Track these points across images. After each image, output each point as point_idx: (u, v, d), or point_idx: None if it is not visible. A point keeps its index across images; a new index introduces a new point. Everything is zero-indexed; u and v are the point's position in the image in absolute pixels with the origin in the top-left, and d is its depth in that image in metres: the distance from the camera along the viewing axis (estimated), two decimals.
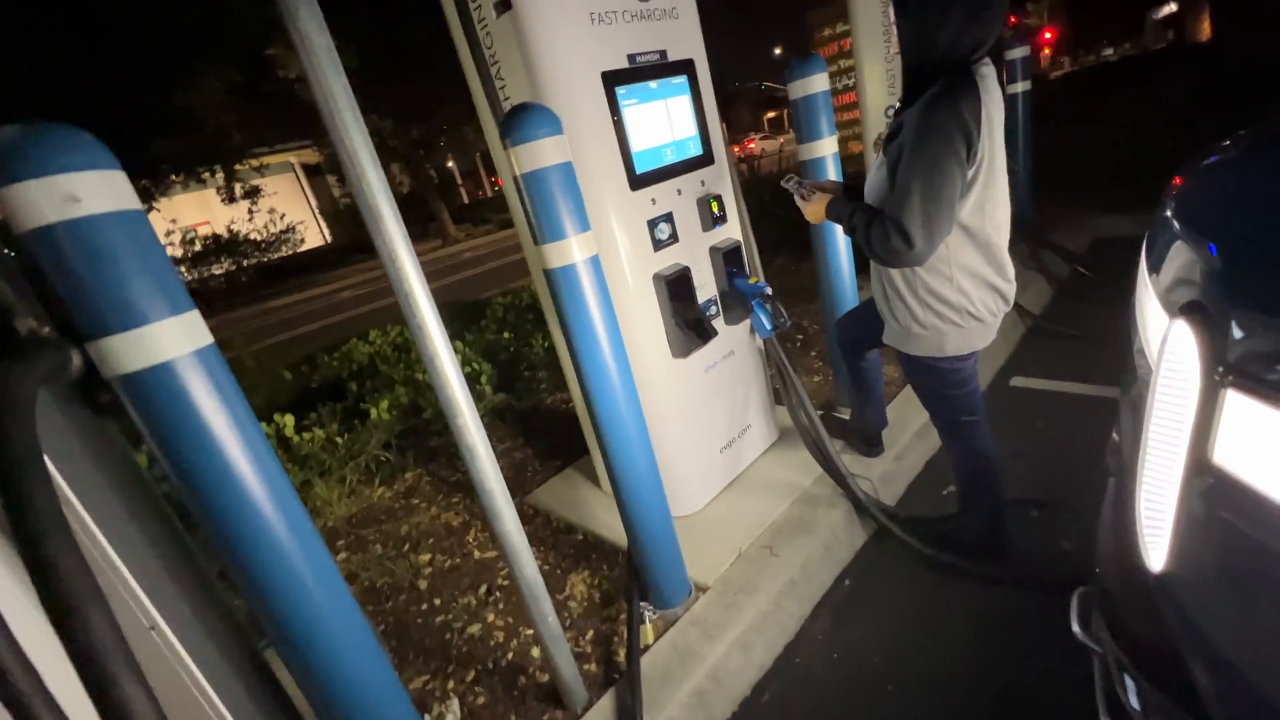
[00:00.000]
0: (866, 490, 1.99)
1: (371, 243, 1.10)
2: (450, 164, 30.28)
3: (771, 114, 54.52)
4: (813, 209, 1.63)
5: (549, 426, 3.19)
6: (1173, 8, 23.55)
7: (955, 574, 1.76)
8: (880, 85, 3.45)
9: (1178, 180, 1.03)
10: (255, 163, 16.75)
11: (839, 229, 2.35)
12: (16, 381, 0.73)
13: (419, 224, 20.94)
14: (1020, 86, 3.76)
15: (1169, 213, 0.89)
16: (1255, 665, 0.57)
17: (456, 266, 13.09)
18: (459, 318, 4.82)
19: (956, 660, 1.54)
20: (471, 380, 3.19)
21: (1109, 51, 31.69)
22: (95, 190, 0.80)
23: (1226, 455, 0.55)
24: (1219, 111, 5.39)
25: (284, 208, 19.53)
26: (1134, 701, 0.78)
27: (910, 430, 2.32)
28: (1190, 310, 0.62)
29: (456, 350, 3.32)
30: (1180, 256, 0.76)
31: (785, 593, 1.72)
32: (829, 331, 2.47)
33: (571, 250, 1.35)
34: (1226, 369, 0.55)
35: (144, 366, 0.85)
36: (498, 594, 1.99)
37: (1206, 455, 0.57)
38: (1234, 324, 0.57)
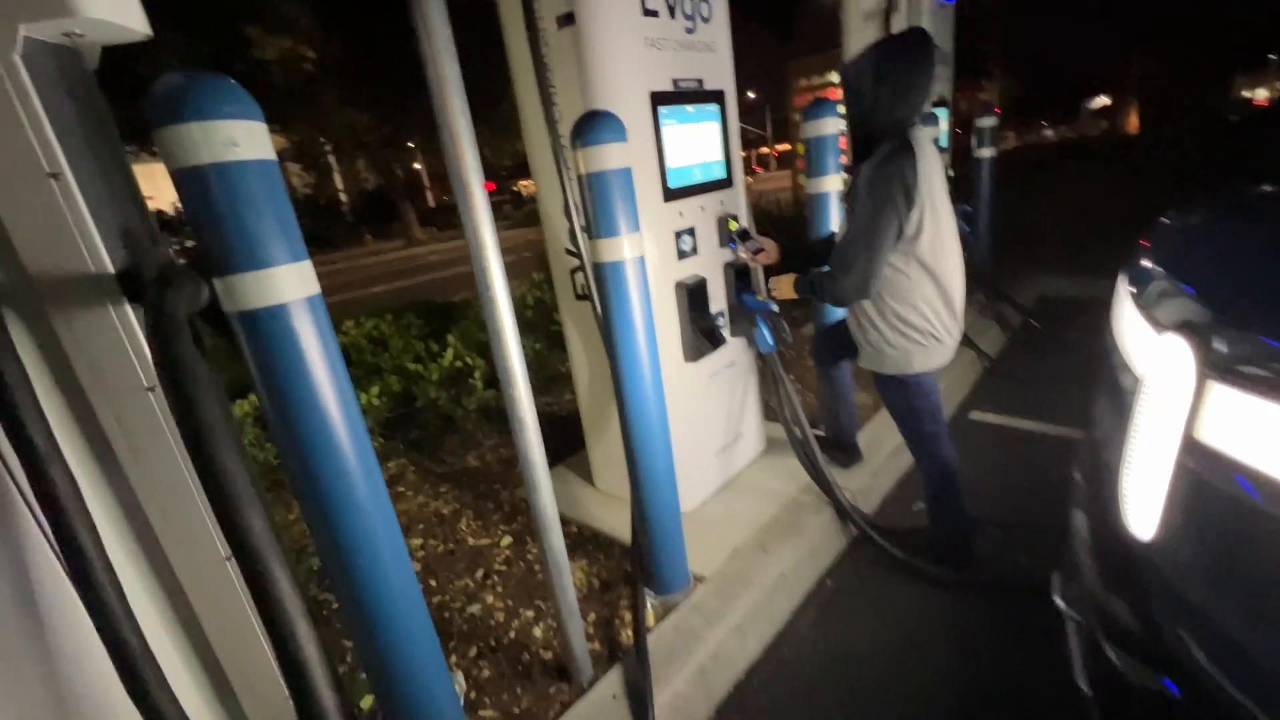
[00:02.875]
0: (848, 500, 2.15)
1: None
2: (418, 166, 29.81)
3: (741, 154, 56.67)
4: (783, 287, 1.91)
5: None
6: (1106, 100, 26.05)
7: (927, 579, 1.93)
8: None
9: (1145, 242, 1.25)
10: None
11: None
12: (172, 303, 0.79)
13: (381, 222, 20.46)
14: (986, 152, 4.15)
15: (1149, 263, 1.10)
16: (1233, 612, 0.73)
17: (422, 268, 12.92)
18: (435, 317, 4.81)
19: (927, 654, 1.69)
20: (465, 374, 3.22)
21: (1049, 132, 34.63)
22: (249, 137, 0.87)
23: (1210, 434, 0.72)
24: (1145, 193, 6.04)
25: None
26: (1114, 660, 0.93)
27: (885, 451, 2.51)
28: (1181, 327, 0.80)
29: (449, 344, 3.35)
30: (1162, 293, 0.95)
31: (776, 587, 1.85)
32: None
33: (623, 248, 1.47)
34: (1212, 368, 0.72)
35: (265, 305, 0.91)
36: (495, 578, 2.03)
37: (1194, 435, 0.73)
38: (1216, 338, 0.75)
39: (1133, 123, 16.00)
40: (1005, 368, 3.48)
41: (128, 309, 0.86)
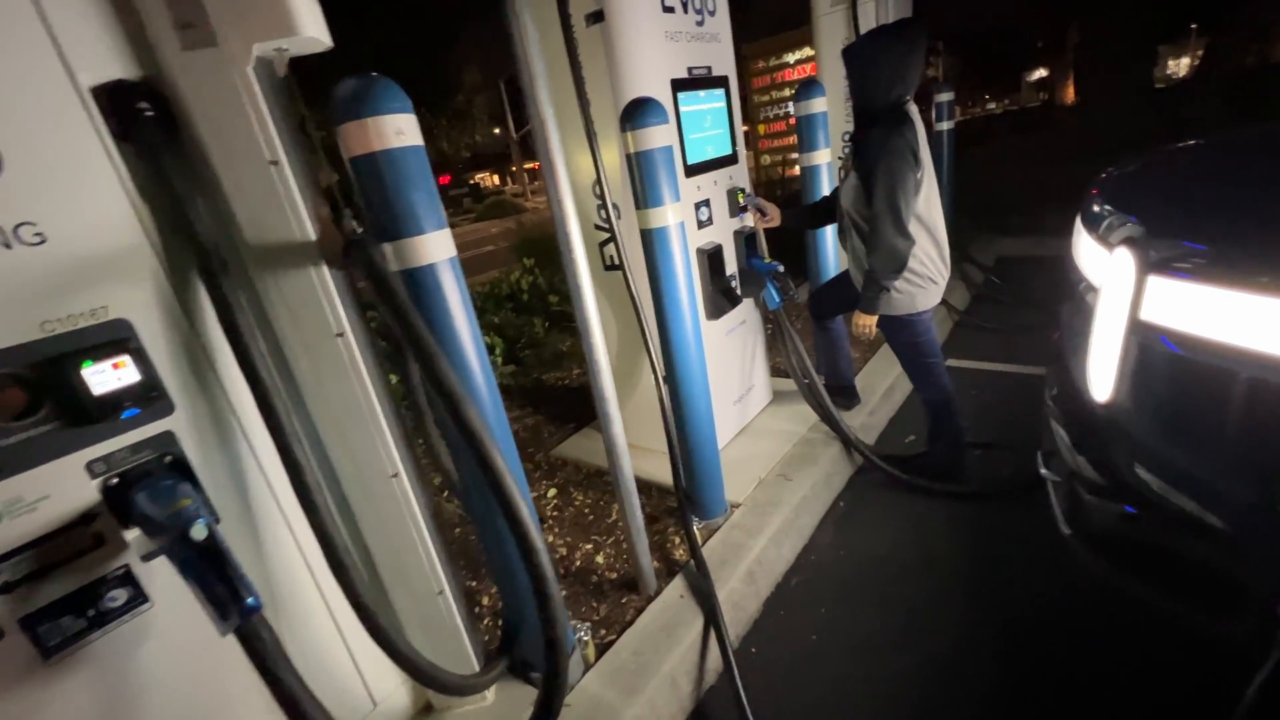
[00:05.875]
0: (853, 434, 2.45)
1: None
2: None
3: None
4: (865, 321, 2.04)
5: (553, 398, 3.47)
6: (1044, 73, 27.23)
7: (924, 493, 2.25)
8: (839, 113, 4.05)
9: (1095, 190, 1.56)
10: None
11: (828, 234, 2.87)
12: (379, 257, 1.01)
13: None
14: (945, 125, 4.50)
15: (1099, 205, 1.41)
16: (1172, 442, 1.04)
17: None
18: None
19: (926, 549, 2.01)
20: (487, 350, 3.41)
21: (992, 105, 35.94)
22: (409, 127, 1.09)
23: (1149, 313, 1.02)
24: (1085, 160, 6.54)
25: None
26: (1088, 500, 1.24)
27: (878, 393, 2.83)
28: (1127, 242, 1.10)
29: None
30: (1111, 223, 1.26)
31: (800, 507, 2.14)
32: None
33: (666, 215, 1.71)
34: (1149, 266, 1.02)
35: (420, 264, 1.14)
36: (550, 522, 2.27)
37: (1138, 315, 1.03)
38: (1150, 250, 1.05)
39: (1069, 94, 16.84)
40: (972, 320, 3.85)
41: (324, 270, 1.07)
